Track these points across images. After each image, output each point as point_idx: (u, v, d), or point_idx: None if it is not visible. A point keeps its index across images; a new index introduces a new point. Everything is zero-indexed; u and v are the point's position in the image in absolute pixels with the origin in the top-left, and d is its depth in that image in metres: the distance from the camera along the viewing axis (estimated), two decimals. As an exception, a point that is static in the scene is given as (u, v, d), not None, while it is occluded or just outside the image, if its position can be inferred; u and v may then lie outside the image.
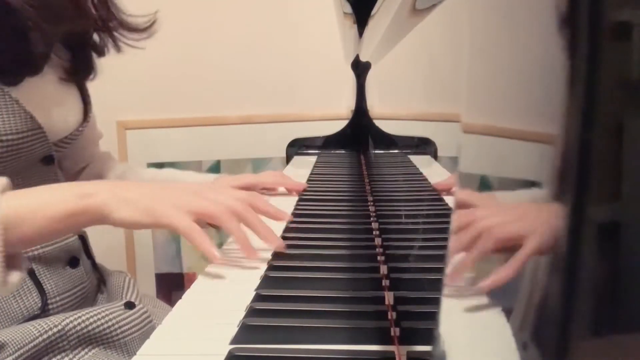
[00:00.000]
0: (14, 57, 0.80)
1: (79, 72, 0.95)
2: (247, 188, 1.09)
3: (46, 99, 0.88)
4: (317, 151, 1.66)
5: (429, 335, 0.31)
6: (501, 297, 0.23)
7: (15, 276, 0.64)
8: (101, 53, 0.99)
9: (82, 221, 0.67)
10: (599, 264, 0.16)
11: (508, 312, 0.21)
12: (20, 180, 0.85)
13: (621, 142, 0.15)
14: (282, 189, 1.15)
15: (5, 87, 0.79)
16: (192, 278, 1.98)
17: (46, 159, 0.88)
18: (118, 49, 1.00)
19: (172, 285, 2.03)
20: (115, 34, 0.98)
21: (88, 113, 0.97)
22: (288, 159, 1.64)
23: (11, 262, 0.64)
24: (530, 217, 0.20)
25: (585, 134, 0.15)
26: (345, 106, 1.82)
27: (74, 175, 1.11)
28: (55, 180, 0.92)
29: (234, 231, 0.70)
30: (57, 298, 0.87)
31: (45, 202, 0.65)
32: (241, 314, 0.56)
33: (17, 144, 0.81)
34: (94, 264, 1.00)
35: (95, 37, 0.98)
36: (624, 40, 0.15)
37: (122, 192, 0.67)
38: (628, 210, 0.15)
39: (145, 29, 1.01)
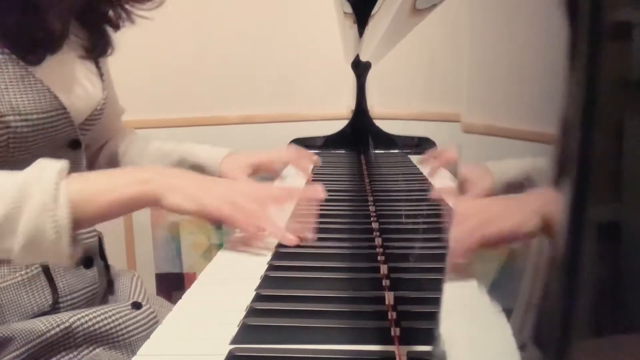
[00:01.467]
0: (32, 36, 0.80)
1: (96, 48, 0.95)
2: (261, 165, 1.14)
3: (67, 79, 0.88)
4: (317, 151, 1.66)
5: (429, 335, 0.31)
6: (502, 297, 0.23)
7: (78, 251, 0.69)
8: (117, 27, 0.99)
9: (139, 204, 0.73)
10: (599, 264, 0.16)
11: (508, 312, 0.21)
12: None
13: (621, 142, 0.15)
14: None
15: (29, 66, 0.80)
16: (192, 278, 1.98)
17: (73, 143, 0.88)
18: (132, 20, 1.00)
19: (172, 285, 2.03)
20: (127, 6, 0.99)
21: (108, 88, 0.98)
22: (288, 158, 1.64)
23: (75, 239, 0.68)
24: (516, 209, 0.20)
25: (585, 134, 0.15)
26: (346, 106, 1.82)
27: (96, 151, 1.11)
28: (81, 165, 0.92)
29: (268, 226, 0.77)
30: (68, 297, 0.87)
31: (108, 186, 0.70)
32: (241, 314, 0.56)
33: (42, 123, 0.81)
34: (107, 266, 1.00)
35: (110, 12, 0.98)
36: (624, 40, 0.15)
37: (173, 180, 0.73)
38: (628, 210, 0.15)
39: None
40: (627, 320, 0.16)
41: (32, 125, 0.79)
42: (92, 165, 1.11)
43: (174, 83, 1.97)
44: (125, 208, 0.72)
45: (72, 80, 0.89)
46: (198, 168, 1.09)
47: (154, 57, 1.92)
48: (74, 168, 0.90)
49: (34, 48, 0.81)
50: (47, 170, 0.67)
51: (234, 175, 1.09)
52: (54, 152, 0.84)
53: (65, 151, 0.87)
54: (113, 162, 1.12)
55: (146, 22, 1.02)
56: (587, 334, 0.16)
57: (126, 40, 1.01)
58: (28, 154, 0.78)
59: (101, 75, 0.97)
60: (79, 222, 0.67)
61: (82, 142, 0.90)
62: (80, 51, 0.92)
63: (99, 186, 0.70)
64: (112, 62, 1.02)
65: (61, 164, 0.68)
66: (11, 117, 0.77)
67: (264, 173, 1.15)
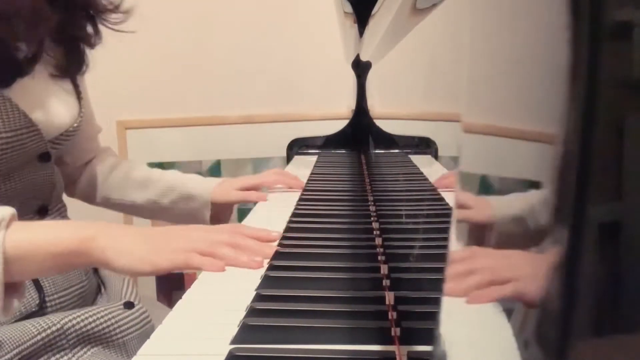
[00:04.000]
0: (1, 63, 0.81)
1: (70, 67, 0.96)
2: (250, 188, 1.12)
3: (39, 97, 0.89)
4: (317, 151, 1.66)
5: (430, 335, 0.31)
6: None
7: (15, 302, 0.66)
8: (91, 44, 0.99)
9: (82, 262, 0.70)
10: (600, 264, 0.16)
11: (509, 312, 0.21)
12: (17, 177, 0.86)
13: (622, 142, 0.15)
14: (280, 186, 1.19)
15: None
16: (192, 278, 1.98)
17: (42, 156, 0.89)
18: (98, 36, 0.99)
19: (172, 285, 2.03)
20: (98, 23, 0.99)
21: (82, 108, 0.97)
22: (288, 158, 1.64)
23: (11, 290, 0.66)
24: (523, 268, 0.20)
25: (586, 134, 0.15)
26: (346, 106, 1.82)
27: (77, 168, 1.12)
28: (51, 177, 0.93)
29: (228, 258, 0.71)
30: (55, 296, 0.87)
31: (48, 240, 0.67)
32: (241, 313, 0.56)
33: (12, 141, 0.82)
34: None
35: (87, 30, 0.98)
36: (624, 40, 0.15)
37: (120, 240, 0.69)
38: (628, 210, 0.15)
39: (116, 9, 1.00)
40: (628, 320, 0.16)
41: (1, 144, 0.80)
42: (73, 183, 1.12)
43: (174, 83, 1.96)
44: (66, 263, 0.69)
45: (44, 98, 0.89)
46: (187, 198, 1.11)
47: (154, 57, 1.92)
48: (45, 179, 0.91)
49: (2, 74, 0.81)
50: None
51: (226, 199, 1.10)
52: (23, 165, 0.85)
53: (34, 164, 0.89)
54: (93, 185, 1.13)
55: (146, 22, 1.02)
56: (588, 334, 0.16)
57: (126, 40, 1.01)
58: None
59: (78, 93, 0.97)
60: (11, 276, 0.65)
61: (52, 155, 0.91)
62: (51, 69, 0.93)
63: (41, 238, 0.67)
64: (113, 63, 1.03)
65: (3, 213, 0.66)
66: None
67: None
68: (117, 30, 1.00)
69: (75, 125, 0.95)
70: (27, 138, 0.84)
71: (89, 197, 1.15)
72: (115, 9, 0.99)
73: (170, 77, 1.96)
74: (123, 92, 1.88)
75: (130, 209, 1.16)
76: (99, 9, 0.97)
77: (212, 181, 1.13)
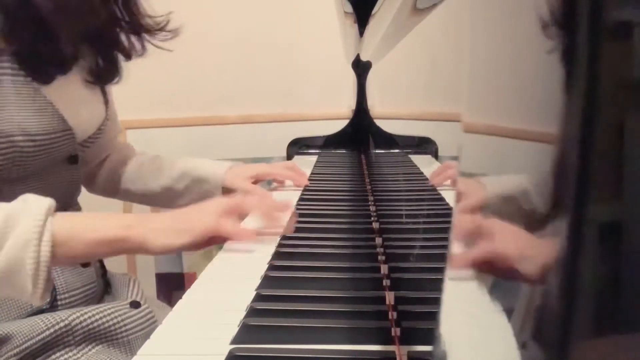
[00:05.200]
0: (44, 56, 0.83)
1: (103, 74, 0.97)
2: (260, 178, 1.16)
3: (74, 100, 0.91)
4: (317, 151, 1.66)
5: (430, 335, 0.31)
6: (502, 297, 0.23)
7: (48, 292, 0.69)
8: (128, 56, 1.01)
9: (122, 247, 0.73)
10: (600, 264, 0.16)
11: (509, 312, 0.21)
12: (44, 177, 0.88)
13: (622, 142, 0.15)
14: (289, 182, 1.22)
15: (38, 85, 0.82)
16: (192, 278, 1.98)
17: (71, 158, 0.91)
18: (144, 50, 1.02)
19: (172, 285, 2.03)
20: (143, 35, 1.00)
21: (108, 112, 1.00)
22: (288, 158, 1.64)
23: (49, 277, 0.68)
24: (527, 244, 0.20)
25: (586, 134, 0.15)
26: (346, 106, 1.82)
27: (95, 167, 1.13)
28: (77, 178, 0.96)
29: (256, 206, 0.85)
30: (66, 295, 0.89)
31: (92, 227, 0.71)
32: (241, 314, 0.56)
33: (47, 143, 0.83)
34: (103, 267, 1.01)
35: (124, 40, 1.00)
36: (624, 40, 0.15)
37: (153, 224, 0.74)
38: (628, 210, 0.15)
39: (163, 29, 1.03)
40: (628, 320, 0.16)
41: (37, 145, 0.82)
42: (92, 179, 1.15)
43: (174, 83, 1.96)
44: (105, 249, 0.72)
45: (77, 101, 0.92)
46: (200, 181, 1.12)
47: (154, 57, 1.92)
48: (71, 181, 0.94)
49: (45, 69, 0.83)
50: (34, 205, 0.68)
51: (237, 185, 1.12)
52: (52, 166, 0.87)
53: (63, 165, 0.90)
54: (113, 179, 1.15)
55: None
56: (588, 334, 0.16)
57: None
58: (28, 169, 0.80)
59: (104, 95, 1.00)
60: (58, 260, 0.68)
61: (80, 157, 0.93)
62: (86, 75, 0.95)
63: (82, 226, 0.71)
64: (127, 70, 1.04)
65: (49, 201, 0.69)
66: (19, 138, 0.79)
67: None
68: (159, 47, 1.03)
69: (102, 128, 0.97)
70: (61, 140, 0.86)
71: (111, 191, 1.16)
72: (159, 29, 1.02)
73: (171, 77, 1.96)
74: (123, 92, 1.87)
75: (149, 198, 1.17)
76: (145, 27, 1.00)
77: (223, 165, 1.15)
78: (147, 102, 1.97)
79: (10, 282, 0.66)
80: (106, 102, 1.00)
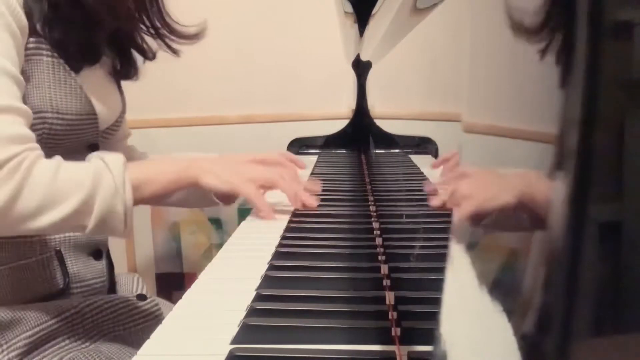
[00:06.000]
0: (79, 46, 0.89)
1: (123, 70, 1.05)
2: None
3: (98, 89, 0.96)
4: (317, 151, 1.66)
5: (430, 335, 0.31)
6: (503, 297, 0.23)
7: (131, 227, 0.81)
8: (147, 56, 1.08)
9: (185, 184, 0.89)
10: (600, 264, 0.16)
11: (509, 312, 0.21)
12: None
13: (622, 141, 0.15)
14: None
15: (72, 72, 0.88)
16: (192, 278, 1.98)
17: (92, 146, 0.95)
18: (174, 52, 1.11)
19: (172, 285, 2.03)
20: (167, 40, 1.07)
21: (125, 105, 1.06)
22: (289, 158, 1.64)
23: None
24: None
25: (586, 134, 0.15)
26: (346, 106, 1.82)
27: None
28: None
29: (287, 189, 0.96)
30: (78, 284, 0.91)
31: (161, 171, 0.86)
32: (241, 313, 0.56)
33: (75, 124, 0.88)
34: (111, 264, 1.03)
35: (149, 40, 1.06)
36: (624, 40, 0.15)
37: (206, 165, 0.91)
38: (629, 210, 0.15)
39: (195, 36, 1.14)
40: (627, 320, 0.16)
41: (65, 124, 0.87)
42: None
43: (174, 83, 1.96)
44: (175, 186, 0.88)
45: (102, 91, 0.98)
46: None
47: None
48: None
49: (79, 57, 0.90)
50: (112, 162, 0.80)
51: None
52: (74, 153, 0.90)
53: (83, 153, 0.93)
54: None
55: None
56: (588, 334, 0.16)
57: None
58: (53, 151, 0.83)
59: (121, 92, 1.07)
60: (138, 201, 0.82)
61: (99, 146, 0.97)
62: (108, 68, 1.02)
63: (152, 171, 0.86)
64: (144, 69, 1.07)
65: (122, 156, 0.81)
66: (49, 114, 0.85)
67: None
68: (172, 50, 1.10)
69: (119, 120, 1.03)
70: (87, 124, 0.91)
71: None
72: (189, 37, 1.12)
73: (171, 77, 1.96)
74: (124, 91, 1.87)
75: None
76: (174, 34, 1.08)
77: (211, 155, 1.16)
78: (147, 102, 1.96)
79: (106, 225, 0.78)
80: (122, 95, 1.06)
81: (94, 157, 0.80)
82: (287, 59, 1.95)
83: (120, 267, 1.12)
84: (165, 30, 1.06)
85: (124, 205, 0.78)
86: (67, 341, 0.83)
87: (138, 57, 1.09)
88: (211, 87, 1.97)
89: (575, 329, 0.16)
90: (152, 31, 1.04)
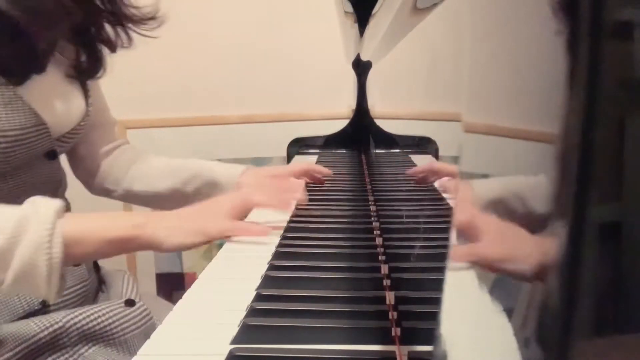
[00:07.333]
0: (17, 57, 0.82)
1: (86, 69, 0.96)
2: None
3: (50, 96, 0.89)
4: (317, 150, 1.66)
5: (430, 335, 0.31)
6: (503, 297, 0.23)
7: (63, 287, 0.72)
8: (113, 48, 0.99)
9: (132, 246, 0.75)
10: (600, 264, 0.16)
11: (509, 312, 0.21)
12: (23, 174, 0.86)
13: (622, 142, 0.15)
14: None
15: (11, 85, 0.81)
16: (192, 278, 1.98)
17: (49, 154, 0.90)
18: (130, 41, 1.00)
19: (172, 285, 2.03)
20: (128, 26, 0.99)
21: (88, 107, 0.98)
22: (289, 158, 1.64)
23: (62, 275, 0.70)
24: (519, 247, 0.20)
25: (587, 134, 0.15)
26: (346, 105, 1.82)
27: (94, 161, 1.10)
28: (57, 174, 0.93)
29: (265, 203, 0.88)
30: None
31: (102, 227, 0.72)
32: (241, 313, 0.56)
33: (21, 139, 0.82)
34: (96, 264, 1.00)
35: (110, 32, 0.98)
36: (624, 40, 0.15)
37: (167, 222, 0.76)
38: (629, 210, 0.15)
39: (153, 18, 1.01)
40: (628, 320, 0.16)
41: (11, 140, 0.81)
42: (92, 178, 1.11)
43: (174, 83, 1.96)
44: (116, 249, 0.74)
45: (53, 96, 0.90)
46: (212, 184, 1.08)
47: (155, 57, 1.92)
48: (51, 177, 0.92)
49: (19, 68, 0.82)
50: (43, 208, 0.69)
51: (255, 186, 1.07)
52: (30, 162, 0.86)
53: (41, 161, 0.89)
54: (113, 178, 1.12)
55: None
56: (588, 334, 0.16)
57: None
58: (5, 165, 0.79)
59: (86, 91, 0.97)
60: (70, 260, 0.70)
61: (58, 153, 0.91)
62: (66, 69, 0.93)
63: (93, 226, 0.72)
64: (114, 61, 1.02)
65: (58, 203, 0.70)
66: None
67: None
68: (145, 36, 1.00)
69: (82, 123, 0.95)
70: (35, 136, 0.84)
71: (109, 191, 1.13)
72: (147, 19, 0.99)
73: (171, 76, 1.96)
74: (124, 92, 1.87)
75: (153, 199, 1.12)
76: (127, 18, 0.97)
77: (237, 168, 1.09)
78: (147, 102, 1.97)
79: (26, 283, 0.67)
80: (86, 96, 0.98)
81: (27, 202, 0.71)
82: (287, 59, 1.95)
83: (120, 267, 1.11)
84: (121, 16, 0.97)
85: (48, 263, 0.67)
86: (54, 355, 0.80)
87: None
88: (211, 87, 1.97)
89: (575, 329, 0.16)
90: (110, 18, 0.96)
